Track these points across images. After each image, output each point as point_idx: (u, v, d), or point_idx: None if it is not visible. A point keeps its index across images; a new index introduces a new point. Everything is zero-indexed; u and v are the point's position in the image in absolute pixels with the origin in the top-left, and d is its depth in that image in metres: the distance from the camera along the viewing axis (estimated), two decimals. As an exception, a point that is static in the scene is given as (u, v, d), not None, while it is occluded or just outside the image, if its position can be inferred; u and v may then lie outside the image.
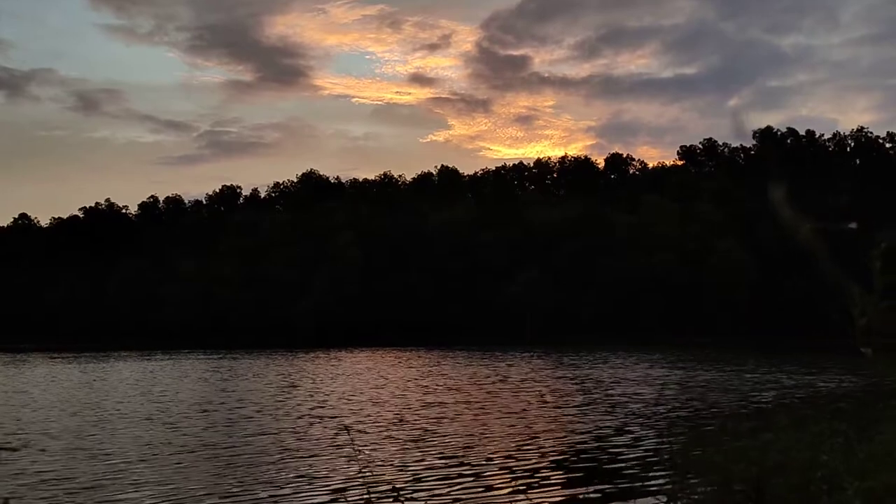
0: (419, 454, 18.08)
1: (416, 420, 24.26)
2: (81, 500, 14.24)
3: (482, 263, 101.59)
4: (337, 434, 20.67)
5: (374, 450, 18.59)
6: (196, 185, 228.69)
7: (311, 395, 33.21)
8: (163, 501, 13.98)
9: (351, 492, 13.44)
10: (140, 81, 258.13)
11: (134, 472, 16.77)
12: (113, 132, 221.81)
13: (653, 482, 13.33)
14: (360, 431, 21.68)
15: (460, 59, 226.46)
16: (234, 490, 14.77)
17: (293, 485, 15.11)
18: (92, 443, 21.00)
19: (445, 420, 24.21)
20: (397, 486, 13.49)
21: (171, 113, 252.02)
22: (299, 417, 25.62)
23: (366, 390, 35.32)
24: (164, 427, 23.87)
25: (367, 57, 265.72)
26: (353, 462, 16.02)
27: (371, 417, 25.18)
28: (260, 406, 29.44)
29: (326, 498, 13.85)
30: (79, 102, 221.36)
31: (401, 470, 16.13)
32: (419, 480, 15.02)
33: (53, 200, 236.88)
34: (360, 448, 18.35)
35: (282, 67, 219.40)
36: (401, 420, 24.35)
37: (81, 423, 25.42)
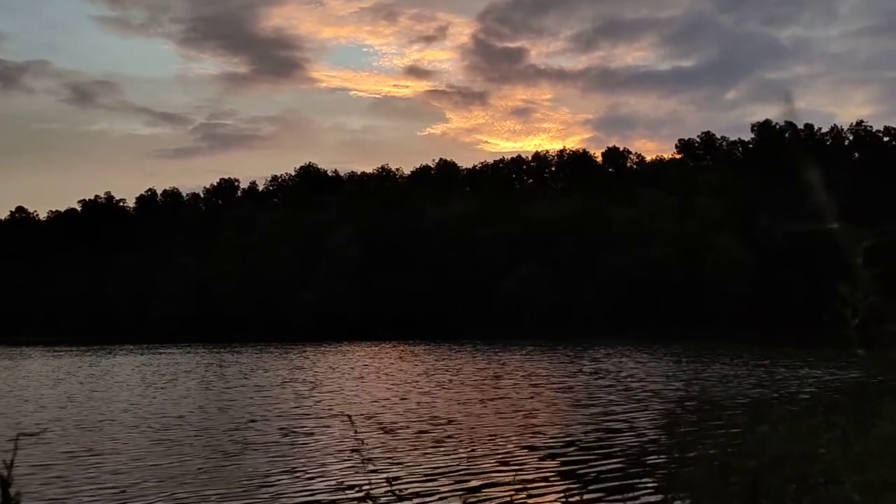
0: (456, 452, 18.10)
1: (445, 418, 24.15)
2: (86, 491, 14.26)
3: (481, 258, 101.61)
4: (341, 426, 20.67)
5: (396, 445, 18.59)
6: (193, 177, 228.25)
7: (313, 389, 33.23)
8: (163, 492, 13.99)
9: (361, 485, 13.44)
10: (135, 74, 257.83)
11: (136, 462, 16.79)
12: (109, 125, 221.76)
13: (651, 475, 13.37)
14: (373, 424, 21.69)
15: (456, 52, 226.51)
16: (239, 482, 14.78)
17: (295, 477, 15.13)
18: (96, 436, 21.01)
19: (474, 416, 24.19)
20: (433, 480, 13.51)
21: (166, 105, 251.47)
22: (302, 411, 25.64)
23: (375, 384, 35.34)
24: (165, 420, 23.89)
25: (365, 50, 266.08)
26: (355, 454, 16.02)
27: (390, 412, 25.19)
28: (262, 400, 29.46)
29: (330, 490, 13.87)
30: (73, 95, 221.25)
31: (434, 468, 16.14)
32: (460, 480, 15.03)
33: (50, 193, 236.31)
34: (363, 439, 18.37)
35: (277, 60, 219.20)
36: (431, 418, 24.23)
37: (84, 417, 25.42)
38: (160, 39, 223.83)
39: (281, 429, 21.69)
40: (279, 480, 14.97)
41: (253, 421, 23.46)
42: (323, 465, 16.32)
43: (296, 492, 14.07)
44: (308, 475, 15.37)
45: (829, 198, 2.63)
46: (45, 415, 26.12)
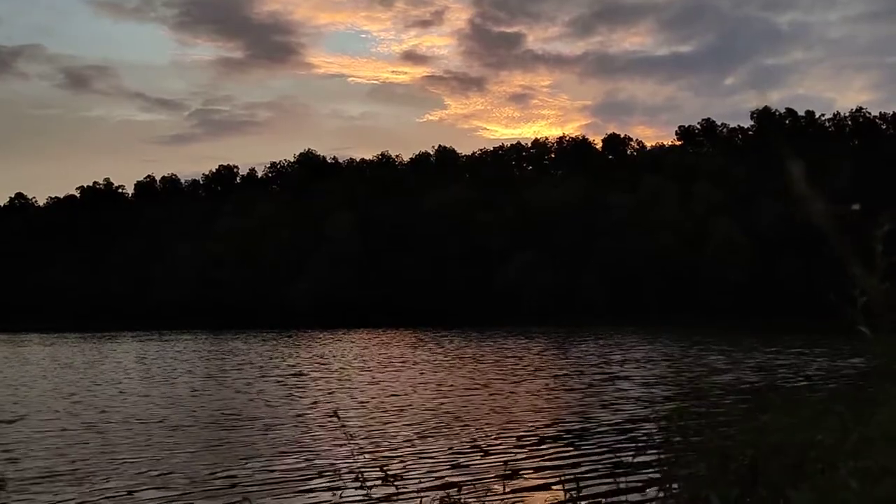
0: (452, 439, 18.10)
1: (443, 405, 24.23)
2: (74, 478, 14.26)
3: (480, 245, 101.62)
4: (330, 417, 20.68)
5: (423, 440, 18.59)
6: (190, 164, 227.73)
7: (312, 378, 33.29)
8: (155, 482, 13.99)
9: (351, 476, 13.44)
10: (129, 59, 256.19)
11: (127, 453, 16.79)
12: (105, 111, 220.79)
13: (647, 465, 13.36)
14: (372, 413, 21.71)
15: (453, 37, 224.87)
16: (235, 472, 14.79)
17: (290, 467, 15.14)
18: (86, 421, 21.01)
19: (471, 403, 24.22)
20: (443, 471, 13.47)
21: (161, 91, 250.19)
22: (302, 400, 25.66)
23: (376, 372, 35.38)
24: (161, 408, 23.90)
25: (362, 36, 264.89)
26: (346, 446, 16.02)
27: (391, 401, 25.20)
28: (260, 388, 29.47)
29: (323, 482, 13.87)
30: (68, 80, 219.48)
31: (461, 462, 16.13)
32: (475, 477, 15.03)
33: (48, 180, 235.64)
34: (363, 428, 18.39)
35: (273, 45, 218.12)
36: (430, 404, 24.33)
37: (77, 402, 25.43)
38: (154, 24, 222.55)
39: (277, 419, 21.70)
40: (277, 468, 14.98)
41: (248, 410, 23.48)
42: (324, 452, 16.33)
43: (295, 480, 14.07)
44: (308, 463, 15.37)
45: (822, 186, 2.58)
46: (43, 401, 26.12)
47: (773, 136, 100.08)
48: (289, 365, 39.23)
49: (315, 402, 24.19)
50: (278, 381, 31.06)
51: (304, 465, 15.02)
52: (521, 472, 13.83)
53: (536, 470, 14.24)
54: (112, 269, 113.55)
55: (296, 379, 32.04)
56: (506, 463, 14.68)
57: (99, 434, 19.14)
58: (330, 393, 26.68)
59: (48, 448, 17.26)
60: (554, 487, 12.81)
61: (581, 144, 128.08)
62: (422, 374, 33.07)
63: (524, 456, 15.52)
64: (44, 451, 16.93)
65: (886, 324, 2.51)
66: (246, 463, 15.29)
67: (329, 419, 20.14)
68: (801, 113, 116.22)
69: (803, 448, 4.35)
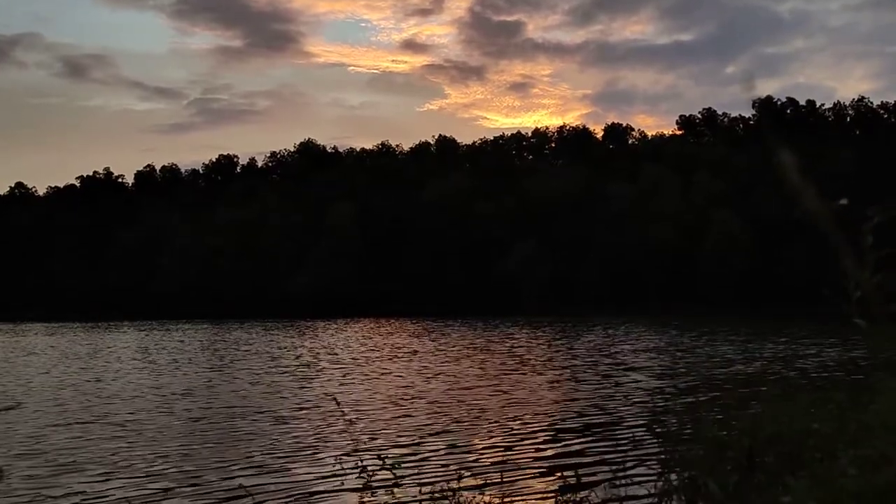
0: (449, 429, 18.15)
1: (441, 395, 24.30)
2: (78, 470, 14.32)
3: (480, 235, 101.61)
4: (338, 408, 20.70)
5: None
6: (189, 153, 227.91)
7: (314, 368, 33.31)
8: (158, 475, 14.05)
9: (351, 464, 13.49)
10: (128, 47, 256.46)
11: (133, 443, 16.84)
12: (104, 100, 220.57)
13: (646, 455, 13.42)
14: (374, 403, 21.77)
15: (453, 26, 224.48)
16: (232, 462, 14.85)
17: (295, 460, 15.19)
18: (92, 412, 21.08)
19: (469, 394, 24.28)
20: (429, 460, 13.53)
21: (160, 80, 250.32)
22: (310, 390, 25.71)
23: (376, 364, 35.41)
24: (166, 398, 23.95)
25: (362, 24, 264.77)
26: (354, 437, 16.06)
27: (391, 391, 25.25)
28: (268, 379, 29.49)
29: (325, 470, 13.94)
30: (66, 69, 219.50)
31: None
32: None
33: (47, 169, 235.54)
34: (364, 424, 18.46)
35: (272, 33, 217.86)
36: (429, 395, 24.38)
37: (82, 392, 25.50)
38: (152, 12, 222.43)
39: (273, 411, 21.75)
40: (281, 460, 15.04)
41: (256, 400, 23.54)
42: (331, 445, 16.38)
43: (299, 472, 14.13)
44: (314, 456, 15.42)
45: (807, 180, 2.60)
46: (48, 391, 26.18)
47: (770, 128, 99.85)
48: (295, 356, 39.24)
49: (324, 393, 24.17)
50: (285, 372, 31.02)
51: (308, 458, 15.07)
52: (526, 466, 13.88)
53: (541, 462, 14.29)
54: (112, 258, 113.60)
55: (304, 369, 31.97)
56: (508, 454, 14.75)
57: (104, 424, 19.18)
58: (341, 384, 26.64)
59: (52, 439, 17.31)
60: (555, 477, 12.87)
61: (581, 134, 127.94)
62: (431, 364, 33.00)
63: (531, 449, 15.56)
64: (48, 442, 16.98)
65: (881, 316, 2.55)
66: (251, 455, 15.34)
67: (336, 410, 20.19)
68: (802, 102, 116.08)
69: (801, 437, 4.39)
